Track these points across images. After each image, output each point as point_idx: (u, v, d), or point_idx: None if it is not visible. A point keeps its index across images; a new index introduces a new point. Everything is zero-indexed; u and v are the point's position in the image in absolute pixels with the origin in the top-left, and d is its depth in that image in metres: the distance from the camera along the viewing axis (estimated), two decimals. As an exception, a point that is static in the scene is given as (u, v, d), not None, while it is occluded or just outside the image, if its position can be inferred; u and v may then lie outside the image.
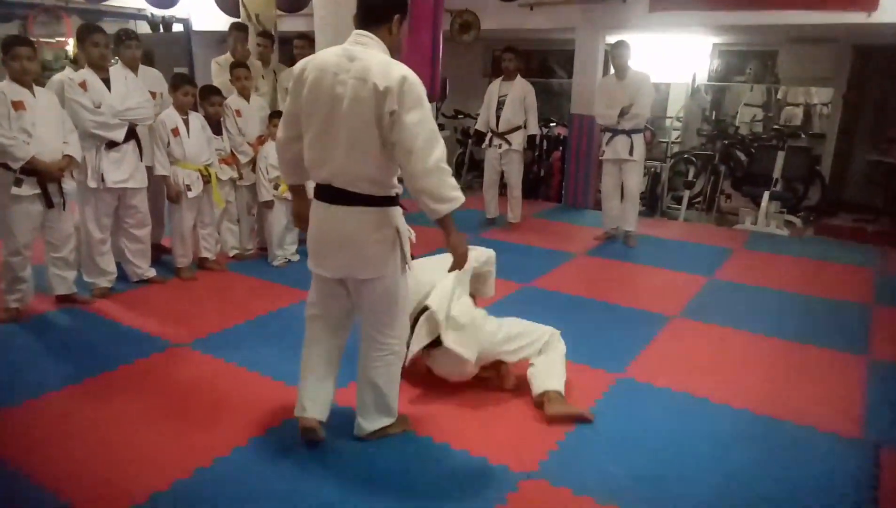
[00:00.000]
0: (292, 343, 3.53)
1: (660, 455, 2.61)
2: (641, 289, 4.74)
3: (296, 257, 5.03)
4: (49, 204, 3.67)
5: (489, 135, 6.22)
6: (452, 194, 2.24)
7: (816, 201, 7.61)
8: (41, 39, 9.50)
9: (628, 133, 5.57)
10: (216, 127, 4.67)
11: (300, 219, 2.57)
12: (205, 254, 4.74)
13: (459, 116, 9.04)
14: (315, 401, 2.58)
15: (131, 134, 4.06)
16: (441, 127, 6.05)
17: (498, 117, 6.10)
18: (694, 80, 8.52)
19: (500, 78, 6.17)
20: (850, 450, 2.70)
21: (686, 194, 7.36)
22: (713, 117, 8.22)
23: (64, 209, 3.81)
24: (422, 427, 2.72)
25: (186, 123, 4.36)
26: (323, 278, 2.47)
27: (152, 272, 4.46)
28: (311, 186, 2.50)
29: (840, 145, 7.90)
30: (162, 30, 9.01)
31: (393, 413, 2.63)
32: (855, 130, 7.96)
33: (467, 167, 9.07)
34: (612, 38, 8.17)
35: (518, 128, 6.11)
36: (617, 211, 5.92)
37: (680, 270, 5.14)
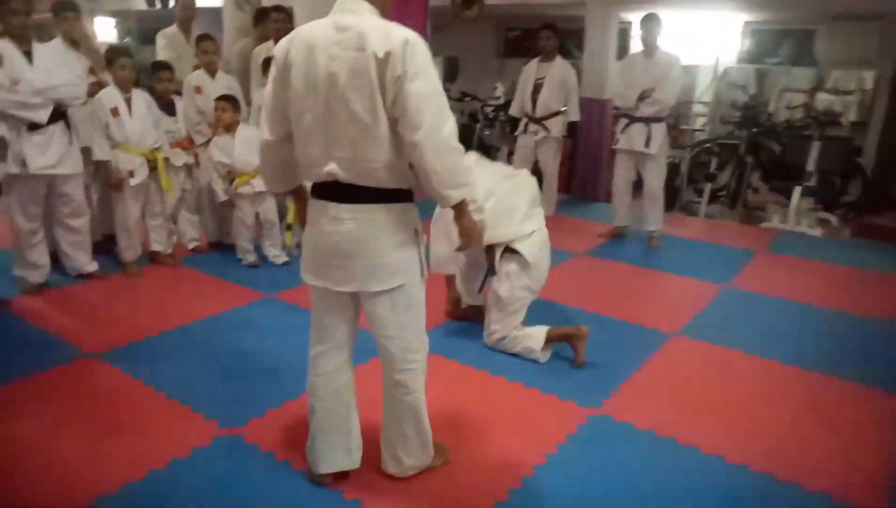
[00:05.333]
0: (217, 356, 3.13)
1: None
2: (642, 298, 4.14)
3: (281, 260, 4.42)
4: None
5: (524, 121, 5.67)
6: (467, 179, 1.92)
7: (856, 197, 6.84)
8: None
9: (647, 121, 4.92)
10: (168, 107, 4.21)
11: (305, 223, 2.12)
12: (156, 247, 4.31)
13: (467, 99, 8.48)
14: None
15: (58, 115, 3.62)
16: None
17: (534, 101, 5.54)
18: (718, 62, 7.75)
19: (538, 59, 5.60)
20: (873, 528, 2.12)
21: (707, 187, 6.67)
22: (743, 103, 7.45)
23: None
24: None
25: (129, 102, 3.91)
26: (327, 292, 2.03)
27: (93, 267, 4.05)
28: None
29: (886, 135, 7.09)
30: (159, 5, 8.65)
31: (431, 445, 2.26)
32: (903, 119, 7.15)
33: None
34: (626, 15, 7.51)
35: (556, 113, 5.55)
36: (627, 208, 5.35)
37: (691, 275, 4.52)
